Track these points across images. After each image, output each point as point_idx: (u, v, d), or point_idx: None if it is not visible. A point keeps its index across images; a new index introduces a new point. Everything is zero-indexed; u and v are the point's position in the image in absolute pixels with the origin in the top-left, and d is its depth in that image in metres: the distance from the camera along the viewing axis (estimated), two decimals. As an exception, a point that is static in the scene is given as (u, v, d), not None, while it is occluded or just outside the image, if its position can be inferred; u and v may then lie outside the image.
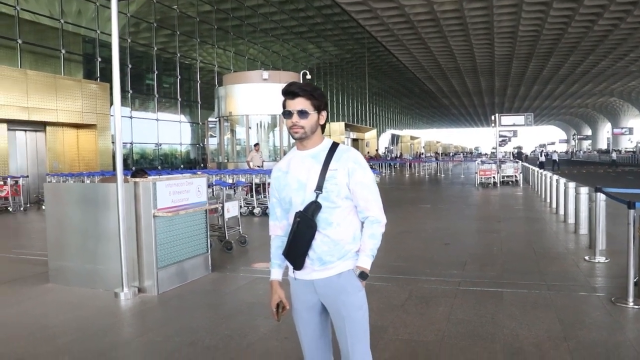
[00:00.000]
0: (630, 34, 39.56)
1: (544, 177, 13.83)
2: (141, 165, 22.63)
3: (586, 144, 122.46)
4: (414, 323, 4.25)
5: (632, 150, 73.20)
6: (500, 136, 28.22)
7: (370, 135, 45.51)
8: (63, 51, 19.02)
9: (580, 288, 5.24)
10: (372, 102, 58.59)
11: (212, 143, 24.29)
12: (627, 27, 37.54)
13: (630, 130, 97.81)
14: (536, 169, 18.16)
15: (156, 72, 24.29)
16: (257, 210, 11.51)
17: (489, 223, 10.16)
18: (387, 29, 40.14)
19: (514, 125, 25.39)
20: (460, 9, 34.03)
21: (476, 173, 20.49)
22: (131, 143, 22.54)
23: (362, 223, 2.27)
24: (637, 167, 40.88)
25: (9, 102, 14.64)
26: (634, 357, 3.58)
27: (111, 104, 17.44)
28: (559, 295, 4.96)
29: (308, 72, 21.23)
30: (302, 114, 2.18)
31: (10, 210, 13.39)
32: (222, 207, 7.31)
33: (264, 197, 11.74)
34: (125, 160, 20.67)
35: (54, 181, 14.34)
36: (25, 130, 16.16)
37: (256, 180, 11.98)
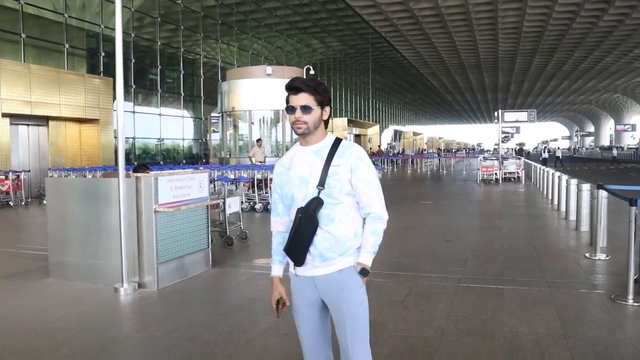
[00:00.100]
0: (634, 29, 39.40)
1: (545, 174, 13.80)
2: (143, 160, 22.65)
3: (589, 141, 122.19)
4: (414, 319, 4.26)
5: (634, 147, 72.82)
6: (503, 133, 28.16)
7: (372, 131, 45.38)
8: (66, 45, 19.03)
9: (581, 285, 5.24)
10: (375, 98, 58.49)
11: (214, 138, 24.23)
12: (632, 23, 37.41)
13: (633, 127, 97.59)
14: (538, 165, 18.13)
15: (159, 67, 24.29)
16: (258, 206, 11.51)
17: (490, 220, 10.16)
18: (391, 24, 40.08)
19: (517, 121, 25.39)
20: (465, 4, 33.96)
21: (478, 169, 20.46)
22: (134, 138, 22.55)
23: (364, 219, 2.26)
24: (639, 164, 40.75)
25: (12, 97, 14.65)
26: (633, 354, 3.58)
27: (114, 98, 17.47)
28: (559, 293, 4.96)
29: (312, 68, 21.23)
30: (306, 109, 2.17)
31: (12, 204, 13.41)
32: (224, 203, 7.30)
33: (266, 192, 11.75)
34: (127, 155, 20.75)
35: (56, 176, 14.36)
36: (28, 125, 16.16)
37: (258, 175, 11.99)
